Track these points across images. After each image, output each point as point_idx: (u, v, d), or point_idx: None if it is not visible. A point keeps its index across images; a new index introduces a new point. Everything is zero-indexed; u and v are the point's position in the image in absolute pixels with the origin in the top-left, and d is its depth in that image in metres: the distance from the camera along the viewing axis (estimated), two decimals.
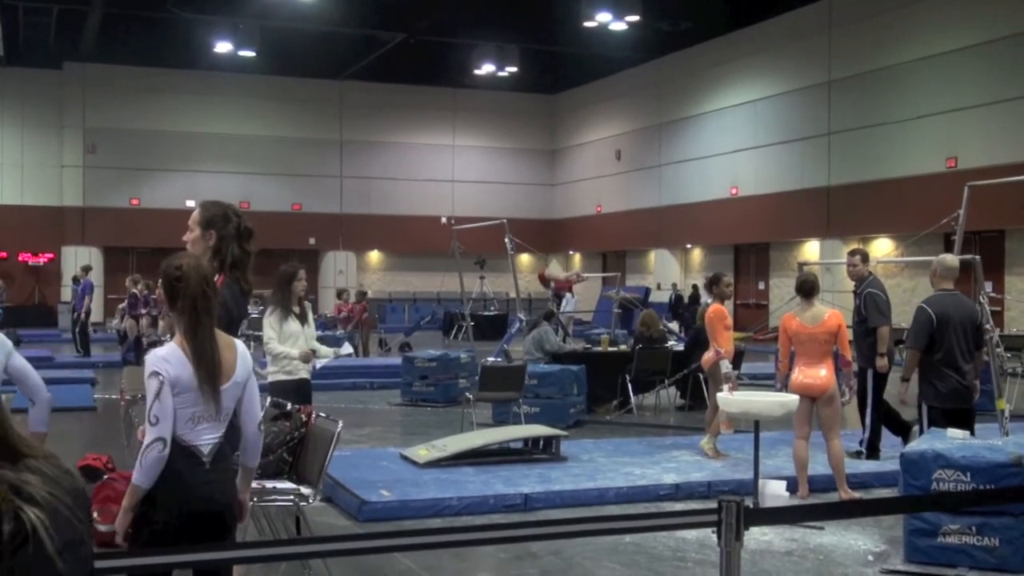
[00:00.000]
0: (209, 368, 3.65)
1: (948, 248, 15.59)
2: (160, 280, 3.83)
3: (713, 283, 10.39)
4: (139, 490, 3.59)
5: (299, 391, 7.55)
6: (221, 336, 3.79)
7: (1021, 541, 5.99)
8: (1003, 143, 21.57)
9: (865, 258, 9.93)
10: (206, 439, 3.69)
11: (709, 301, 10.48)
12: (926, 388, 7.74)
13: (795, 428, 8.04)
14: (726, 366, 9.60)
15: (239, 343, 3.90)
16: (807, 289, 8.29)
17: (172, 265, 3.74)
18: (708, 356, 9.90)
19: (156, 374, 3.58)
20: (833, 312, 8.49)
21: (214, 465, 3.71)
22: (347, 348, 10.09)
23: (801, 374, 7.95)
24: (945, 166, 22.94)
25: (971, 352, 7.80)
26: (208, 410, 3.68)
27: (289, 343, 7.85)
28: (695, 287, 28.49)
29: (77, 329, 21.09)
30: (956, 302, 7.85)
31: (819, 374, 7.96)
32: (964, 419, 7.51)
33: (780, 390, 8.25)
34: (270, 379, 7.78)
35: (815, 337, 7.99)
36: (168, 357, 3.63)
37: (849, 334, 8.54)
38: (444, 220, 33.51)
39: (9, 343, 3.89)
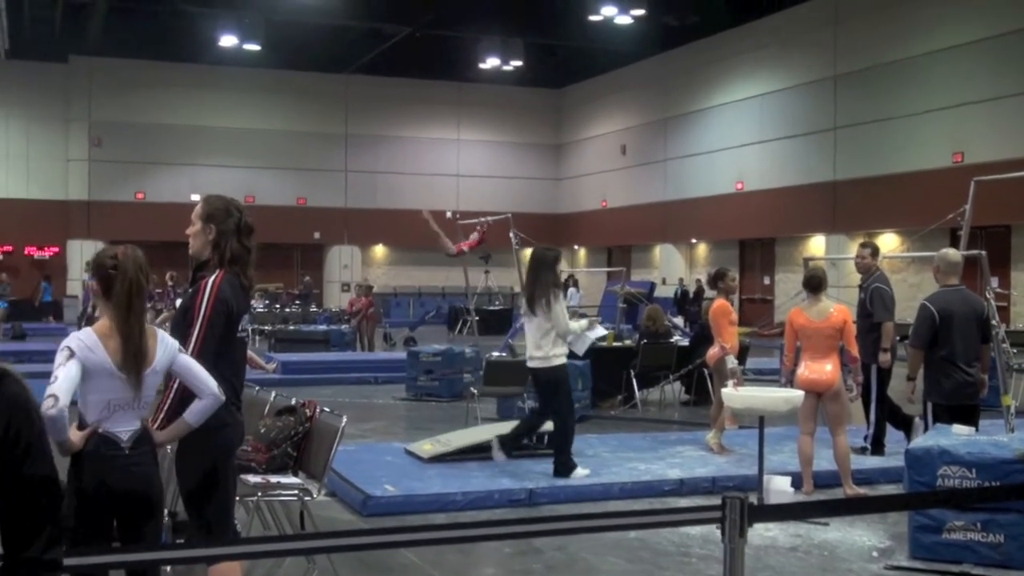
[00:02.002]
0: (136, 354, 3.76)
1: (954, 243, 15.55)
2: (93, 270, 3.92)
3: (718, 278, 10.38)
4: (60, 448, 3.63)
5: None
6: (146, 325, 3.88)
7: None
8: (1010, 138, 21.53)
9: (875, 252, 9.89)
10: (124, 427, 3.78)
11: (714, 296, 10.48)
12: (931, 385, 7.70)
13: (800, 424, 8.03)
14: (731, 362, 9.58)
15: (161, 332, 3.97)
16: (815, 284, 8.26)
17: (107, 255, 3.86)
18: (713, 352, 9.89)
19: (69, 349, 3.70)
20: (839, 307, 8.46)
21: (133, 450, 3.78)
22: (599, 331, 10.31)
23: (807, 369, 7.94)
24: (951, 161, 22.91)
25: (976, 348, 7.76)
26: (126, 397, 3.76)
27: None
28: (698, 281, 28.49)
29: (84, 322, 21.19)
30: (961, 298, 7.80)
31: (825, 369, 7.94)
32: (969, 415, 7.49)
33: (785, 385, 8.23)
34: (559, 362, 8.38)
35: (821, 332, 7.97)
36: (85, 340, 3.74)
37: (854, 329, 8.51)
38: (449, 214, 33.40)
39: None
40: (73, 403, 3.91)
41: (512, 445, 8.59)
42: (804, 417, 7.95)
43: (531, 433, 8.91)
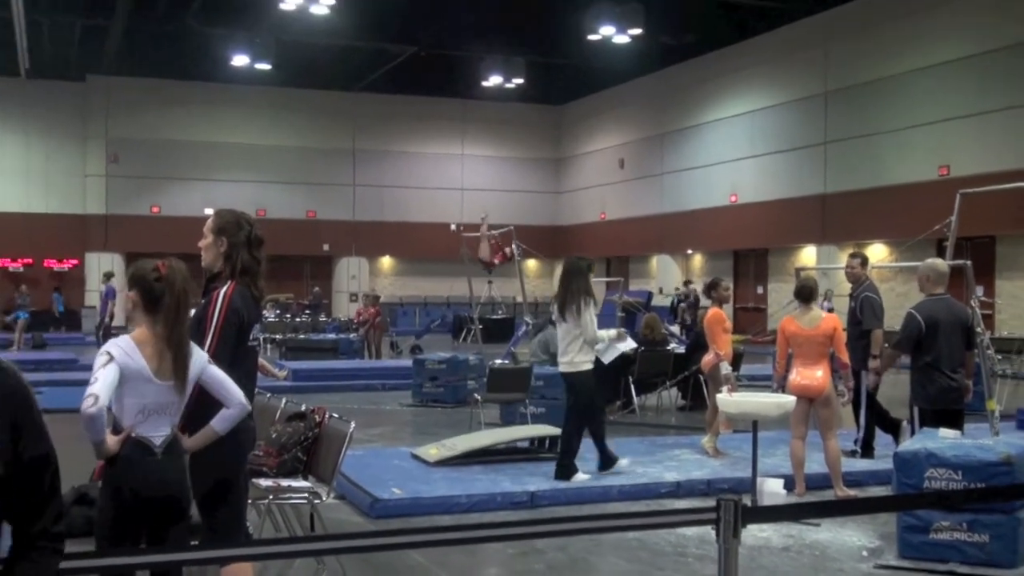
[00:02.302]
0: (184, 363, 3.79)
1: (941, 253, 15.54)
2: (133, 283, 3.89)
3: (712, 288, 10.41)
4: (97, 451, 3.71)
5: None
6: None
7: (1010, 537, 5.98)
8: (994, 152, 21.54)
9: (864, 262, 9.92)
10: (158, 432, 3.77)
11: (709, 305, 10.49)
12: (917, 390, 7.70)
13: (792, 428, 8.04)
14: (725, 368, 9.59)
15: (194, 345, 3.97)
16: (805, 294, 8.29)
17: (149, 268, 3.86)
18: (708, 358, 9.89)
19: (108, 354, 3.69)
20: (829, 315, 8.49)
21: (166, 455, 3.78)
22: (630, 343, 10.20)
23: (799, 375, 7.95)
24: (937, 174, 22.92)
25: (961, 354, 7.75)
26: (160, 403, 3.77)
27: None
28: (693, 289, 28.45)
29: (101, 332, 21.27)
30: (946, 306, 7.80)
31: (816, 375, 7.95)
32: (954, 420, 7.50)
33: (777, 391, 8.24)
34: (584, 367, 8.40)
35: (812, 339, 7.98)
36: (124, 347, 3.73)
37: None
38: (453, 227, 33.48)
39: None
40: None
41: (565, 464, 8.50)
42: (796, 421, 7.95)
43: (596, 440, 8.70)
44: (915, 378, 7.75)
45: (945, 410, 7.54)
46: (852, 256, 10.17)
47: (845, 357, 8.35)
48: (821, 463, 8.13)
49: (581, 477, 8.33)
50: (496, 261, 17.15)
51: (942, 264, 8.10)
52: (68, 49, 29.54)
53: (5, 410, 1.73)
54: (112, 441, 3.71)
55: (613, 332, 9.40)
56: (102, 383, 3.61)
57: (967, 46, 22.65)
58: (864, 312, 9.28)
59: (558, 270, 34.97)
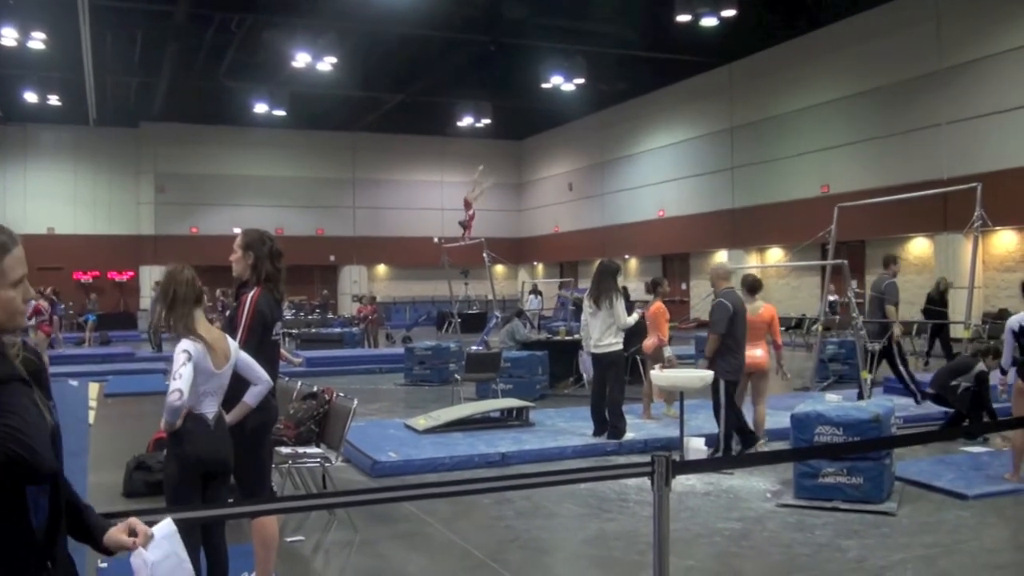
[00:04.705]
0: (226, 356, 3.84)
1: (824, 256, 15.68)
2: (171, 285, 3.83)
3: (656, 285, 10.42)
4: (168, 427, 3.72)
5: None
6: (216, 330, 3.94)
7: (879, 479, 6.06)
8: (864, 173, 21.80)
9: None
10: (210, 409, 3.79)
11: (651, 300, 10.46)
12: (721, 364, 7.51)
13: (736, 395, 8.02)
14: (668, 351, 9.60)
15: (228, 336, 4.01)
16: (759, 287, 8.28)
17: (180, 269, 3.88)
18: (650, 342, 9.87)
19: (187, 351, 3.70)
20: (768, 305, 8.46)
21: (216, 427, 3.79)
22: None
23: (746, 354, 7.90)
24: (820, 191, 23.14)
25: (745, 337, 7.71)
26: (213, 387, 3.78)
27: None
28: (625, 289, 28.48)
29: (151, 330, 21.14)
30: (739, 296, 7.82)
31: (757, 354, 7.97)
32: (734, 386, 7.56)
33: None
34: (616, 348, 8.33)
35: (754, 324, 7.96)
36: (195, 346, 3.73)
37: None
38: (436, 240, 33.36)
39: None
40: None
41: (603, 429, 8.45)
42: (740, 390, 7.95)
43: (602, 411, 8.57)
44: (720, 355, 7.52)
45: (735, 380, 7.57)
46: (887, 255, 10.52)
47: (779, 339, 8.38)
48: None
49: (629, 435, 8.32)
50: (470, 227, 16.93)
51: (728, 264, 8.19)
52: (126, 102, 29.57)
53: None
54: (179, 419, 3.71)
55: (636, 315, 9.18)
56: (185, 380, 3.62)
57: (840, 89, 22.91)
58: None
59: (522, 273, 34.89)
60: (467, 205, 18.85)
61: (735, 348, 7.54)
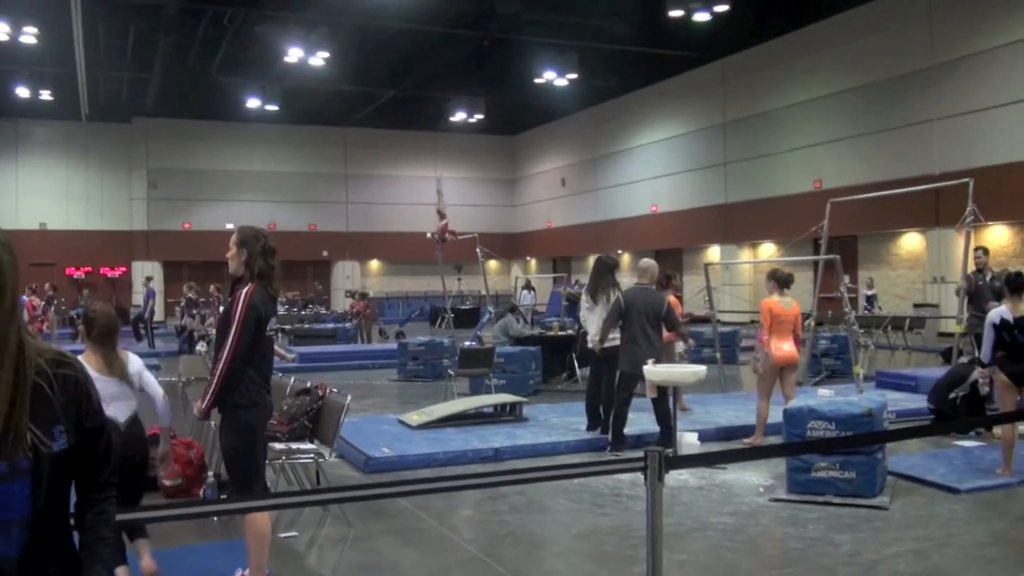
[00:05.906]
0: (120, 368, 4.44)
1: (816, 251, 15.73)
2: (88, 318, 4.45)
3: (670, 279, 10.40)
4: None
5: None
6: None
7: (871, 473, 6.08)
8: (856, 169, 21.85)
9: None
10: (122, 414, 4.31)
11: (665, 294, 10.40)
12: (622, 356, 7.79)
13: (763, 390, 8.01)
14: (680, 347, 9.56)
15: (129, 353, 4.59)
16: (791, 281, 8.19)
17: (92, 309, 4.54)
18: (668, 335, 9.83)
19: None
20: (795, 301, 8.34)
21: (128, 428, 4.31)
22: None
23: (782, 348, 7.94)
24: (812, 187, 23.19)
25: (653, 331, 7.77)
26: (112, 393, 4.29)
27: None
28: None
29: (141, 325, 21.27)
30: (644, 293, 7.95)
31: (785, 347, 7.98)
32: (639, 379, 7.63)
33: (761, 358, 8.07)
34: (616, 343, 8.11)
35: (786, 319, 7.98)
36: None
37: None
38: (429, 235, 33.25)
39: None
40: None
41: (596, 424, 8.37)
42: (769, 385, 7.95)
43: (597, 406, 8.44)
44: (622, 347, 7.82)
45: (637, 373, 7.62)
46: (977, 249, 10.47)
47: (800, 334, 8.34)
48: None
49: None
50: (446, 236, 16.62)
51: (648, 262, 8.27)
52: (118, 97, 29.42)
53: (76, 396, 1.73)
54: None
55: None
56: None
57: (833, 85, 22.94)
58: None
59: (515, 269, 34.90)
60: (440, 215, 18.68)
61: (633, 341, 7.67)
